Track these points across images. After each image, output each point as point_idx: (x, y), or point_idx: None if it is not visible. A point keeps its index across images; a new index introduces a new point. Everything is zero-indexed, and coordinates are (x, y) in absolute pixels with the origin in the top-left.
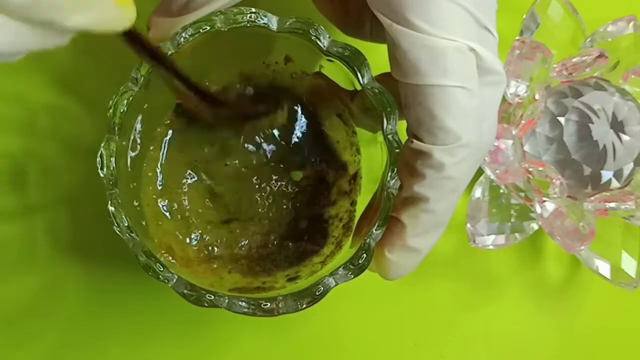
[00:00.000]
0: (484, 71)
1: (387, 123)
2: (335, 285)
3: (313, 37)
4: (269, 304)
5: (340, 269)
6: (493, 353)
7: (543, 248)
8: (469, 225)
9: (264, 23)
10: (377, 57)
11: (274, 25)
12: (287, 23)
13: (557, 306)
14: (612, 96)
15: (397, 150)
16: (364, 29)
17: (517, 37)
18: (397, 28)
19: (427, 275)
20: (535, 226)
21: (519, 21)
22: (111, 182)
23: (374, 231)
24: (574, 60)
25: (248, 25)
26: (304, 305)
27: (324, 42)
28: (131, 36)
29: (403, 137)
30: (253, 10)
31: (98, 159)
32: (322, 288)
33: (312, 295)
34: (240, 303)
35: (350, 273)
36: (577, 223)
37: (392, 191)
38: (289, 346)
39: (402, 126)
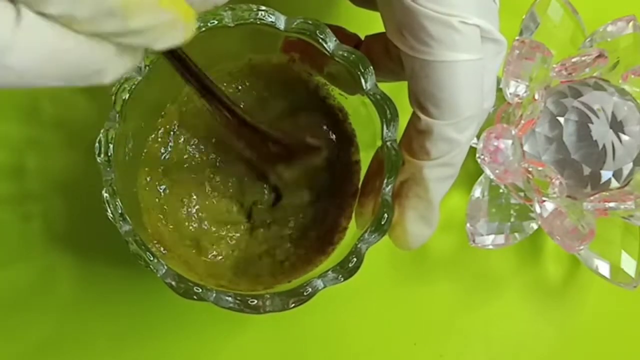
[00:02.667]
0: (486, 42)
1: (387, 130)
2: (324, 287)
3: (319, 40)
4: (255, 301)
5: (330, 271)
6: (493, 353)
7: (543, 248)
8: (468, 225)
9: (271, 21)
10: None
11: (281, 25)
12: (295, 23)
13: (557, 306)
14: (612, 96)
15: (395, 158)
16: None
17: (517, 37)
18: (409, 4)
19: (427, 275)
20: (534, 226)
21: (519, 21)
22: (108, 169)
23: (366, 236)
24: (574, 60)
25: (256, 22)
26: (291, 305)
27: (330, 45)
28: (182, 61)
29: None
30: (262, 8)
31: (96, 145)
32: (310, 289)
33: (300, 296)
34: (226, 298)
35: (340, 276)
36: (576, 223)
37: (387, 198)
38: (289, 345)
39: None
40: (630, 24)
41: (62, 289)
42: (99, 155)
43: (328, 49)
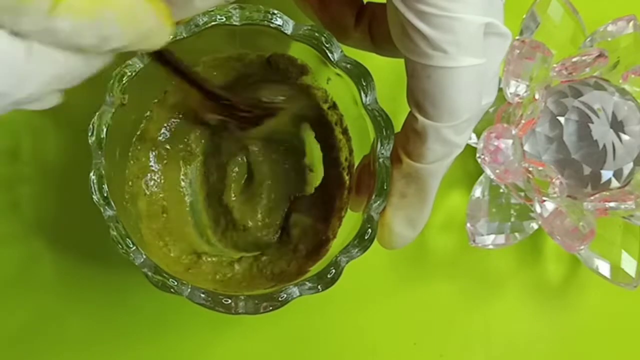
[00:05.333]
0: (491, 36)
1: (381, 146)
2: (299, 295)
3: (325, 49)
4: (229, 301)
5: (307, 281)
6: (493, 353)
7: (543, 248)
8: (468, 224)
9: (278, 25)
10: (383, 78)
11: (289, 30)
12: (302, 30)
13: (557, 306)
14: (612, 96)
15: (387, 175)
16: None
17: (517, 37)
18: (411, 10)
19: (427, 275)
20: (535, 226)
21: (519, 21)
22: (99, 152)
23: (347, 250)
24: (574, 59)
25: (263, 24)
26: (264, 309)
27: (335, 56)
28: (162, 55)
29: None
30: (272, 11)
31: (89, 127)
32: (284, 295)
33: (274, 301)
34: (200, 294)
35: (318, 286)
36: (576, 222)
37: (373, 214)
38: (287, 345)
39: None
40: (631, 23)
41: (45, 278)
42: (91, 136)
43: (332, 59)
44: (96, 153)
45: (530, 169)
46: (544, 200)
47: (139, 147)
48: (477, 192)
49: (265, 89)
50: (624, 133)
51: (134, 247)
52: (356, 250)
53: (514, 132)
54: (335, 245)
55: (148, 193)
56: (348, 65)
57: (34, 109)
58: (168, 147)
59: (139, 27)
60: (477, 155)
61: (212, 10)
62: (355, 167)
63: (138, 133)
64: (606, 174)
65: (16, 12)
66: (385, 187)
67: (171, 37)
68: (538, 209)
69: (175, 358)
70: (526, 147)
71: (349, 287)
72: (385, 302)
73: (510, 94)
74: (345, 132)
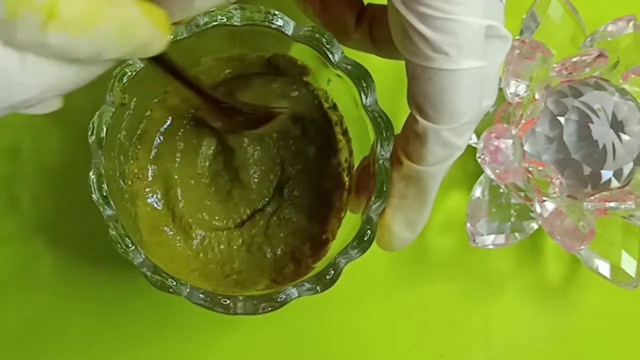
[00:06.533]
0: (492, 39)
1: (380, 148)
2: (298, 297)
3: (325, 50)
4: (228, 301)
5: (306, 282)
6: (492, 353)
7: (543, 248)
8: (468, 224)
9: (279, 25)
10: (383, 79)
11: (289, 30)
12: (303, 31)
13: (557, 306)
14: (612, 96)
15: (386, 176)
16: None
17: (517, 37)
18: (412, 13)
19: (427, 275)
20: (535, 226)
21: (519, 21)
22: (99, 151)
23: (347, 251)
24: (574, 59)
25: (264, 25)
26: (262, 310)
27: (335, 57)
28: (161, 60)
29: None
30: (273, 11)
31: (90, 126)
32: (283, 296)
33: (273, 302)
34: (199, 294)
35: (317, 287)
36: (576, 222)
37: (372, 216)
38: (286, 344)
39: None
40: (631, 23)
41: (45, 277)
42: (91, 135)
43: (333, 60)
44: (96, 152)
45: (530, 169)
46: (544, 200)
47: (138, 147)
48: (477, 192)
49: (266, 90)
50: (624, 133)
51: (133, 247)
52: (355, 251)
53: (514, 132)
54: (335, 247)
55: (147, 193)
56: (348, 67)
57: (33, 113)
58: (168, 146)
59: (134, 38)
60: (477, 155)
61: (213, 11)
62: (355, 168)
63: (138, 133)
64: (606, 174)
65: (7, 27)
66: (384, 189)
67: (170, 40)
68: (538, 209)
69: (175, 358)
70: (526, 147)
71: (348, 288)
72: (385, 302)
73: (510, 94)
74: (345, 133)
